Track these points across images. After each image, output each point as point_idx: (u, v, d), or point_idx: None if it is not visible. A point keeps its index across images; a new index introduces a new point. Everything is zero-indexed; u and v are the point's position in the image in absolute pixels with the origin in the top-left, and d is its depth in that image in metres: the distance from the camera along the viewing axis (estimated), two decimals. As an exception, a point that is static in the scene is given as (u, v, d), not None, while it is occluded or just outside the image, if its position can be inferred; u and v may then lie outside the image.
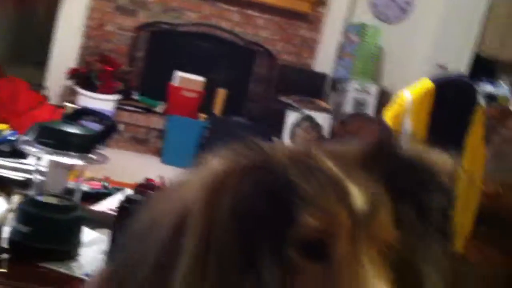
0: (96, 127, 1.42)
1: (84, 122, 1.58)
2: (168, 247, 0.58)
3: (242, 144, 0.60)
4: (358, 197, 0.60)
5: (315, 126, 4.76)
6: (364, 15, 5.05)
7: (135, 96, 4.83)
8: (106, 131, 1.34)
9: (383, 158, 0.65)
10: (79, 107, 1.48)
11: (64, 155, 1.36)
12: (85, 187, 1.87)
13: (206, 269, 0.55)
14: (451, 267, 0.70)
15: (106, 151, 4.43)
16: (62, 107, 3.45)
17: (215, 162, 0.59)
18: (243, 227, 0.56)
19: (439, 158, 0.67)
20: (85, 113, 1.45)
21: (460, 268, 2.90)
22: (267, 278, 0.56)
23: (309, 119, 4.72)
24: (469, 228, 2.52)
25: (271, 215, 0.58)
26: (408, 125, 2.23)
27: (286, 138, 4.62)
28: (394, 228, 0.63)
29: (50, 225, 1.32)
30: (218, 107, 4.83)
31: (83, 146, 1.34)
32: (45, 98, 4.48)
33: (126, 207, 1.36)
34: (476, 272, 3.29)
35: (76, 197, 1.43)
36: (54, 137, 1.33)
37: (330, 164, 0.62)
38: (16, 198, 1.51)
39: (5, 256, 1.31)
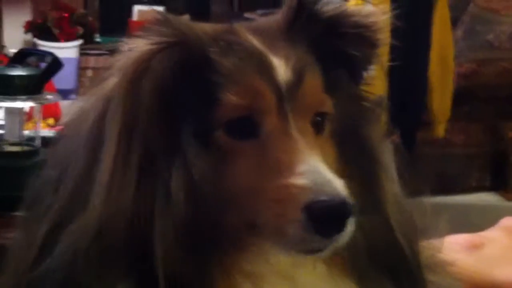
0: (42, 66, 1.37)
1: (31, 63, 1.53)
2: (92, 140, 0.55)
3: (159, 23, 0.56)
4: (281, 68, 0.58)
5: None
6: None
7: (98, 39, 4.70)
8: (50, 68, 1.28)
9: (304, 22, 0.61)
10: (20, 49, 1.42)
11: (14, 100, 1.31)
12: (50, 133, 1.83)
13: (130, 154, 0.53)
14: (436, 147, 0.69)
15: (78, 99, 4.34)
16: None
17: (133, 46, 0.56)
18: (164, 108, 0.54)
19: (367, 11, 0.63)
20: (27, 54, 1.39)
21: (447, 151, 2.89)
22: (195, 161, 0.54)
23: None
24: (448, 112, 2.52)
25: (192, 95, 0.55)
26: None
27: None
28: (327, 94, 0.60)
29: (14, 172, 1.29)
30: (184, 35, 4.73)
31: (31, 86, 1.28)
32: (5, 56, 4.36)
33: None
34: (463, 153, 3.32)
35: (37, 142, 1.39)
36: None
37: (252, 39, 0.59)
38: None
39: (-25, 211, 1.28)
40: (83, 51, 4.53)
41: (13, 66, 1.35)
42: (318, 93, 0.59)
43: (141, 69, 0.54)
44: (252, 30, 0.60)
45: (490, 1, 3.55)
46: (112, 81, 0.56)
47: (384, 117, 0.72)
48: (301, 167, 0.54)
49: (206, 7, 4.89)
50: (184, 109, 0.55)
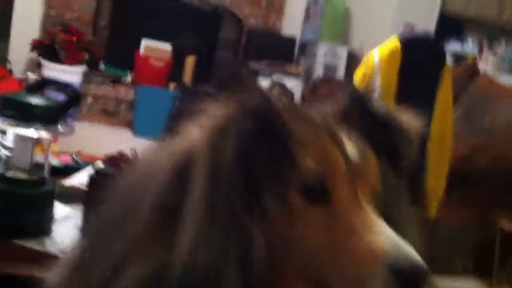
0: (60, 97, 1.38)
1: (49, 93, 1.54)
2: (170, 191, 0.58)
3: (241, 88, 0.60)
4: (349, 145, 0.64)
5: (286, 92, 4.74)
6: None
7: (101, 67, 4.73)
8: (70, 101, 1.30)
9: (356, 116, 0.67)
10: (42, 78, 1.43)
11: (29, 127, 1.32)
12: (55, 161, 1.83)
13: (215, 209, 0.56)
14: (425, 229, 0.75)
15: (76, 125, 4.33)
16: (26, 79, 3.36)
17: (214, 108, 0.60)
18: (247, 167, 0.57)
19: (407, 117, 0.71)
20: (47, 83, 1.41)
21: (435, 232, 2.91)
22: (273, 218, 0.58)
23: (279, 85, 4.70)
24: (441, 192, 2.55)
25: (273, 157, 0.59)
26: (377, 85, 2.23)
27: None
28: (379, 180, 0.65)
29: (19, 200, 1.29)
30: (188, 75, 4.77)
31: (48, 117, 1.29)
32: (9, 71, 4.37)
33: (96, 180, 1.33)
34: (451, 236, 3.34)
35: (45, 171, 1.39)
36: (17, 109, 1.29)
37: (311, 114, 0.65)
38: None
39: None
40: (86, 77, 4.56)
41: (32, 94, 1.36)
42: (376, 174, 0.65)
43: (225, 129, 0.57)
44: (312, 111, 0.67)
45: (491, 85, 3.63)
46: (191, 139, 0.59)
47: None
48: (377, 233, 0.58)
49: (213, 51, 4.96)
50: (263, 168, 0.58)
